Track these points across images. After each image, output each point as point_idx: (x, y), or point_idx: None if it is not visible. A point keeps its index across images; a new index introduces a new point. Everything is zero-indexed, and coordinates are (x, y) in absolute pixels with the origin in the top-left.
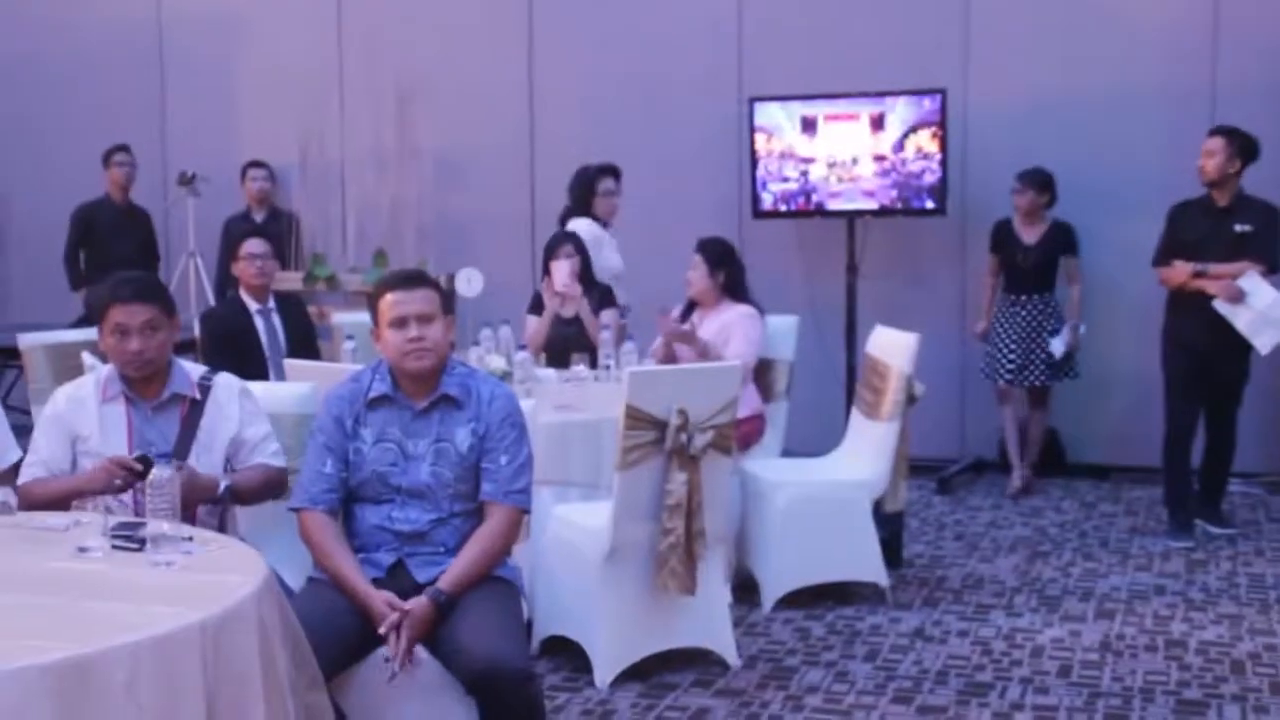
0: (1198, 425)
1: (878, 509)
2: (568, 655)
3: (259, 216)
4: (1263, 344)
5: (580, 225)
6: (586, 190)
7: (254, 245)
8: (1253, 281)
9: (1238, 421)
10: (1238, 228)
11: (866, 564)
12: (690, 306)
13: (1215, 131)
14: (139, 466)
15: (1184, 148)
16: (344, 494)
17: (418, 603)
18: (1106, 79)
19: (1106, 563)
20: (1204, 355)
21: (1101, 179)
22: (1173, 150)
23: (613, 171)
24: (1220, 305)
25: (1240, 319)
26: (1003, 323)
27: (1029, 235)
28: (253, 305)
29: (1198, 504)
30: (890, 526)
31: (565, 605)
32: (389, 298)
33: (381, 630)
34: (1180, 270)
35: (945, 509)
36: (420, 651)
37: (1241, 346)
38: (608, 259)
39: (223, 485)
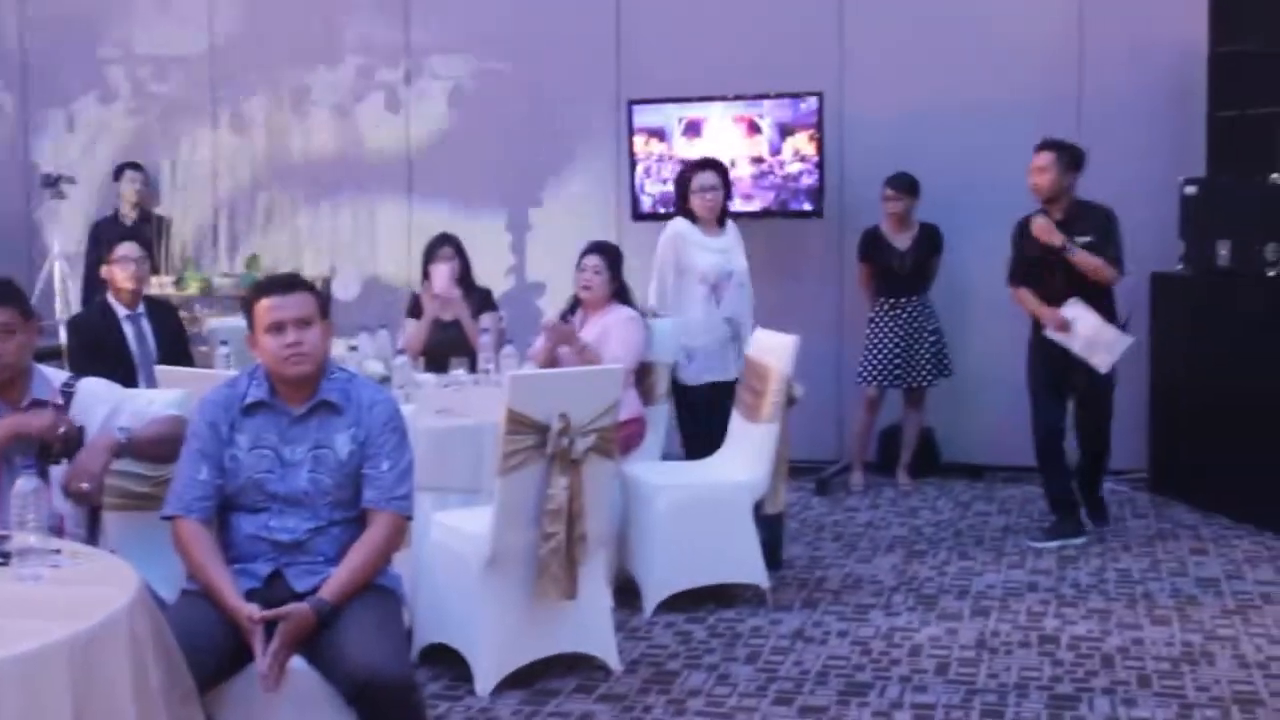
0: (1065, 424)
1: (758, 511)
2: (448, 663)
3: (130, 220)
4: (1099, 364)
5: (673, 224)
6: (682, 187)
7: (127, 249)
8: (1075, 309)
9: (1109, 425)
10: (1077, 240)
11: (747, 566)
12: (572, 307)
13: (1043, 146)
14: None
15: None
16: (219, 502)
17: (297, 608)
18: (978, 86)
19: (981, 561)
20: (1067, 359)
21: (972, 184)
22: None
23: (711, 166)
24: (1051, 334)
25: (1073, 345)
26: (882, 327)
27: (901, 240)
28: (121, 311)
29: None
30: (770, 528)
31: (446, 612)
32: (265, 302)
33: (256, 644)
34: (1026, 299)
35: (824, 510)
36: (297, 662)
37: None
38: (694, 260)
39: (121, 435)
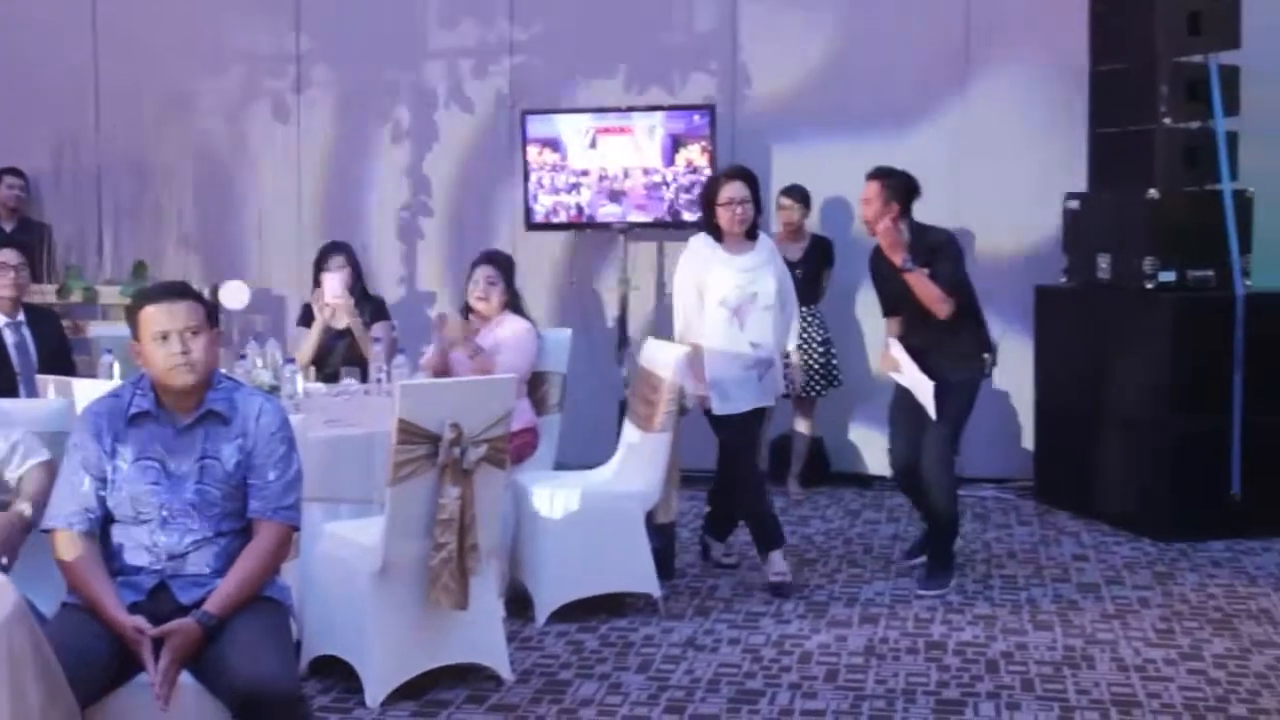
0: (916, 458)
1: (650, 520)
2: (338, 675)
3: (8, 226)
4: (929, 408)
5: (692, 241)
6: (707, 198)
7: (7, 255)
8: (895, 349)
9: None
10: (898, 261)
11: (639, 575)
12: (465, 316)
13: (871, 175)
14: None
15: (932, 164)
16: (102, 514)
17: (183, 624)
18: (868, 100)
19: (870, 569)
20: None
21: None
22: (923, 164)
23: (740, 176)
24: (886, 371)
25: (905, 381)
26: None
27: (793, 251)
28: (1, 319)
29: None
30: (662, 537)
31: (335, 624)
32: (150, 311)
33: (146, 657)
34: (892, 329)
35: None
36: (183, 675)
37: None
38: (712, 280)
39: (27, 511)
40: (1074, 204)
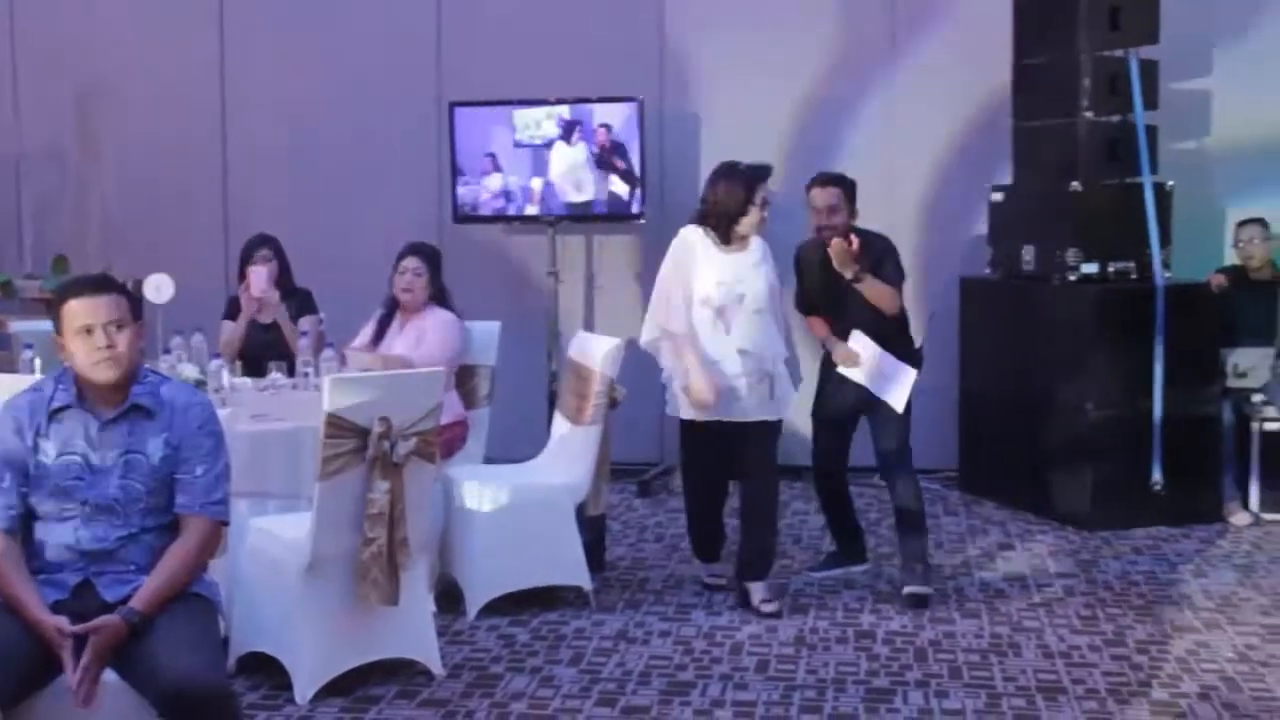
0: (842, 460)
1: (581, 513)
2: (267, 672)
3: None
4: (892, 401)
5: (683, 231)
6: (745, 190)
7: None
8: (860, 341)
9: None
10: (850, 275)
11: (570, 568)
12: (389, 310)
13: (827, 181)
14: None
15: (865, 154)
16: (23, 511)
17: (108, 622)
18: (798, 92)
19: (800, 560)
20: (860, 389)
21: (794, 191)
22: (855, 155)
23: (767, 179)
24: (843, 370)
25: (862, 378)
26: None
27: None
28: None
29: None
30: (593, 530)
31: (263, 620)
32: (73, 304)
33: (66, 659)
34: (817, 328)
35: (646, 511)
36: (108, 675)
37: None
38: (696, 276)
39: None
40: (998, 196)
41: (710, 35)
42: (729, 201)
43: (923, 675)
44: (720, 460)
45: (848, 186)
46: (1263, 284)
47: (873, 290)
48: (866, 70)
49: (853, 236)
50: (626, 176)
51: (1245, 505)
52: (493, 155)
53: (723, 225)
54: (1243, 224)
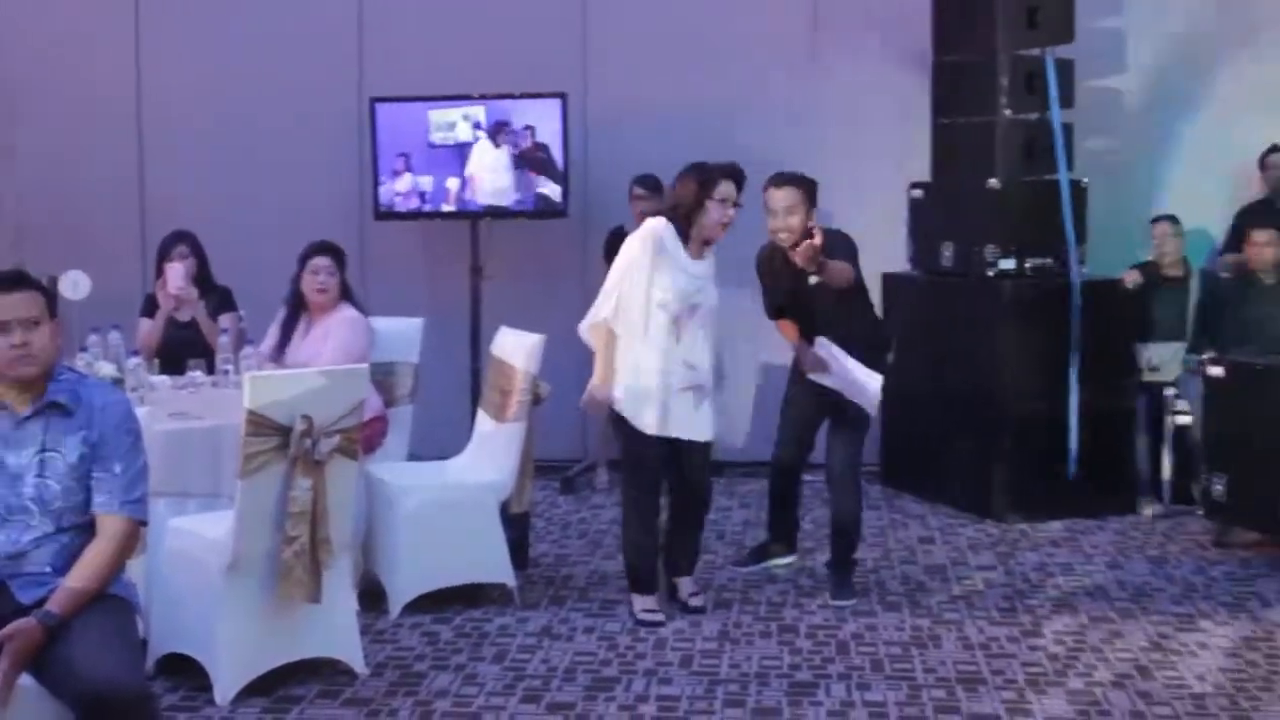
0: (799, 464)
1: (504, 510)
2: (186, 673)
3: None
4: (866, 405)
5: (654, 223)
6: (698, 188)
7: None
8: (826, 348)
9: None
10: (813, 280)
11: (494, 565)
12: (294, 309)
13: (784, 181)
14: None
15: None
16: None
17: (23, 625)
18: (718, 87)
19: (722, 555)
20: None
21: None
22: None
23: (735, 178)
24: (812, 376)
25: (831, 383)
26: None
27: None
28: None
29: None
30: (517, 527)
31: (183, 621)
32: None
33: None
34: (788, 332)
35: (569, 508)
36: (24, 679)
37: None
38: (661, 277)
39: None
40: (918, 193)
41: (632, 28)
42: (684, 195)
43: (845, 668)
44: (662, 474)
45: (806, 186)
46: (1175, 280)
47: (831, 271)
48: (789, 66)
49: (815, 228)
50: (550, 172)
51: (1158, 497)
52: (405, 155)
53: (680, 221)
54: (1155, 221)
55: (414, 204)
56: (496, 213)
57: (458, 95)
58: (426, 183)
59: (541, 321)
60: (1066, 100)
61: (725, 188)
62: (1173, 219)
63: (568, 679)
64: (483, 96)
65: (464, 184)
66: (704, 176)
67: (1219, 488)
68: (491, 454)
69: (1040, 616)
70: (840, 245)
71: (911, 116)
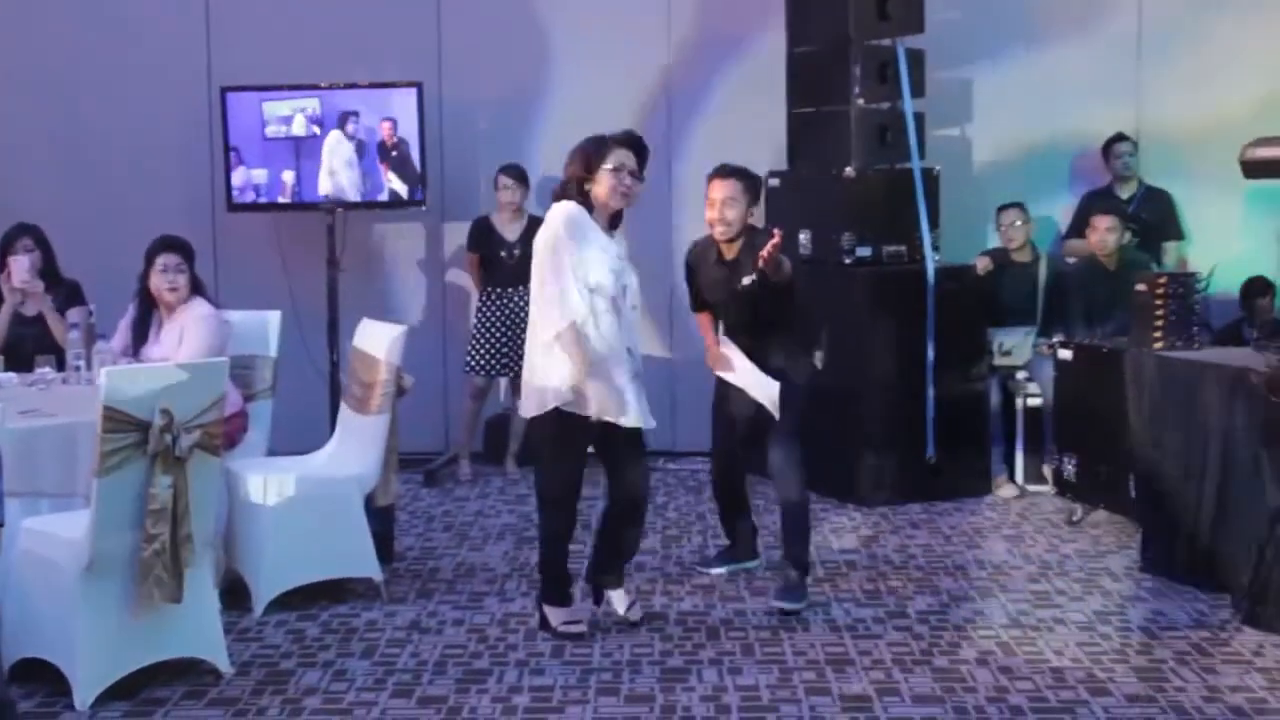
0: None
1: (369, 503)
2: (43, 678)
3: None
4: (769, 405)
5: (566, 207)
6: (588, 160)
7: None
8: (729, 348)
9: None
10: (745, 281)
11: (360, 560)
12: (146, 310)
13: (727, 173)
14: None
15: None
16: None
17: None
18: (573, 78)
19: (590, 544)
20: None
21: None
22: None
23: (633, 145)
24: (719, 373)
25: (735, 380)
26: (489, 316)
27: (511, 230)
28: None
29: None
30: (382, 521)
31: (39, 624)
32: None
33: None
34: (704, 327)
35: (433, 501)
36: None
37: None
38: (595, 260)
39: None
40: (775, 181)
41: (488, 18)
42: (573, 170)
43: (716, 654)
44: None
45: (749, 181)
46: (1023, 265)
47: (784, 272)
48: (645, 56)
49: (775, 231)
50: (406, 163)
51: (1011, 478)
52: (235, 149)
53: (574, 195)
54: (1003, 208)
55: (249, 197)
56: (352, 205)
57: (310, 85)
58: (260, 176)
59: (400, 313)
60: (918, 89)
61: (618, 155)
62: (1020, 206)
63: (439, 672)
64: (332, 86)
65: (300, 178)
66: (592, 146)
67: (1070, 467)
68: (355, 447)
69: (904, 597)
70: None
71: (767, 106)
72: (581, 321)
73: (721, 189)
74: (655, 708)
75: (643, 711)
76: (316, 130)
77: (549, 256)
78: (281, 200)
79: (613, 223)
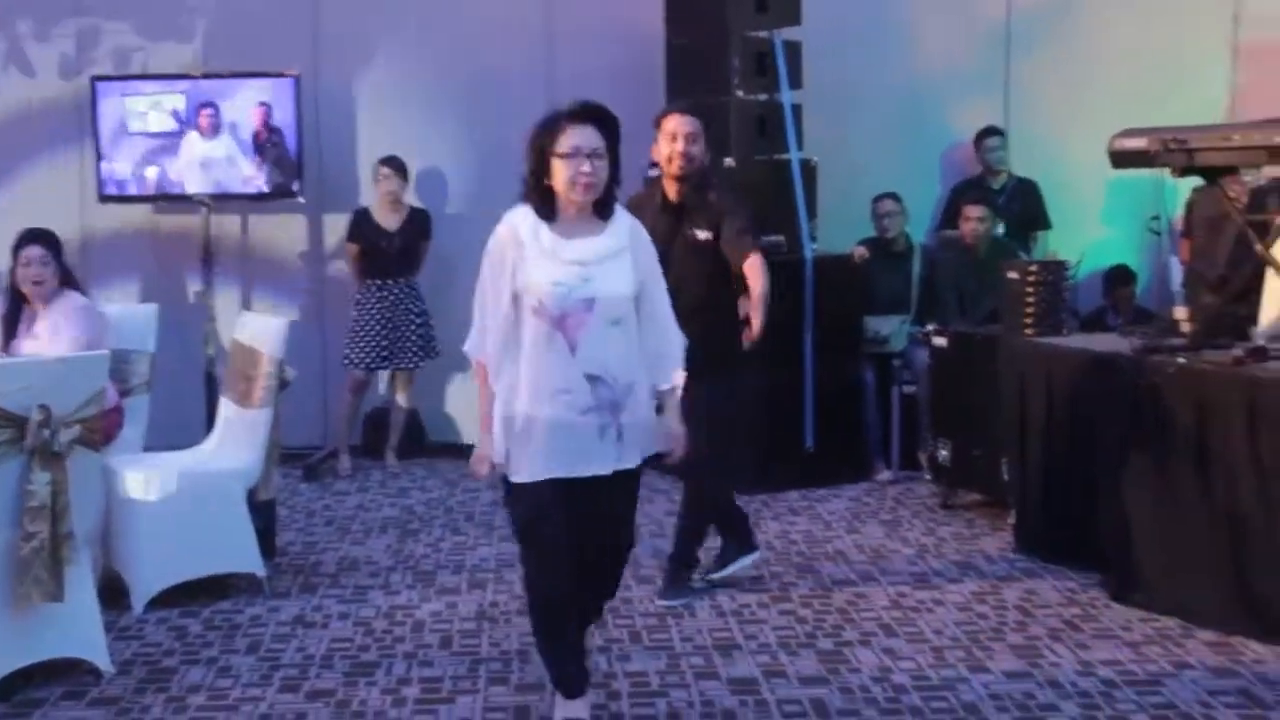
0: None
1: (251, 498)
2: None
3: None
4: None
5: (509, 216)
6: (536, 149)
7: None
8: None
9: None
10: (700, 235)
11: (242, 555)
12: (15, 305)
13: (687, 110)
14: None
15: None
16: None
17: None
18: (453, 66)
19: (474, 536)
20: None
21: (451, 164)
22: (514, 136)
23: (593, 119)
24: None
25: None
26: (368, 309)
27: (391, 222)
28: None
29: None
30: (263, 515)
31: None
32: None
33: None
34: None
35: (313, 495)
36: None
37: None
38: (527, 274)
39: None
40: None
41: (365, 7)
42: (529, 158)
43: (605, 641)
44: (568, 528)
45: (704, 122)
46: (897, 254)
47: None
48: (525, 48)
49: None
50: (283, 155)
51: (888, 464)
52: (141, 132)
53: (533, 194)
54: (879, 198)
55: (120, 190)
56: (227, 197)
57: (186, 74)
58: (124, 169)
59: (278, 306)
60: (795, 81)
61: (573, 136)
62: (895, 196)
63: (326, 666)
64: (205, 76)
65: (171, 170)
66: (541, 129)
67: (944, 453)
68: (237, 441)
69: (787, 583)
70: (717, 210)
71: (647, 97)
72: (494, 367)
73: (684, 123)
74: (546, 696)
75: (533, 700)
76: (178, 124)
77: (480, 283)
78: (153, 193)
79: (600, 211)
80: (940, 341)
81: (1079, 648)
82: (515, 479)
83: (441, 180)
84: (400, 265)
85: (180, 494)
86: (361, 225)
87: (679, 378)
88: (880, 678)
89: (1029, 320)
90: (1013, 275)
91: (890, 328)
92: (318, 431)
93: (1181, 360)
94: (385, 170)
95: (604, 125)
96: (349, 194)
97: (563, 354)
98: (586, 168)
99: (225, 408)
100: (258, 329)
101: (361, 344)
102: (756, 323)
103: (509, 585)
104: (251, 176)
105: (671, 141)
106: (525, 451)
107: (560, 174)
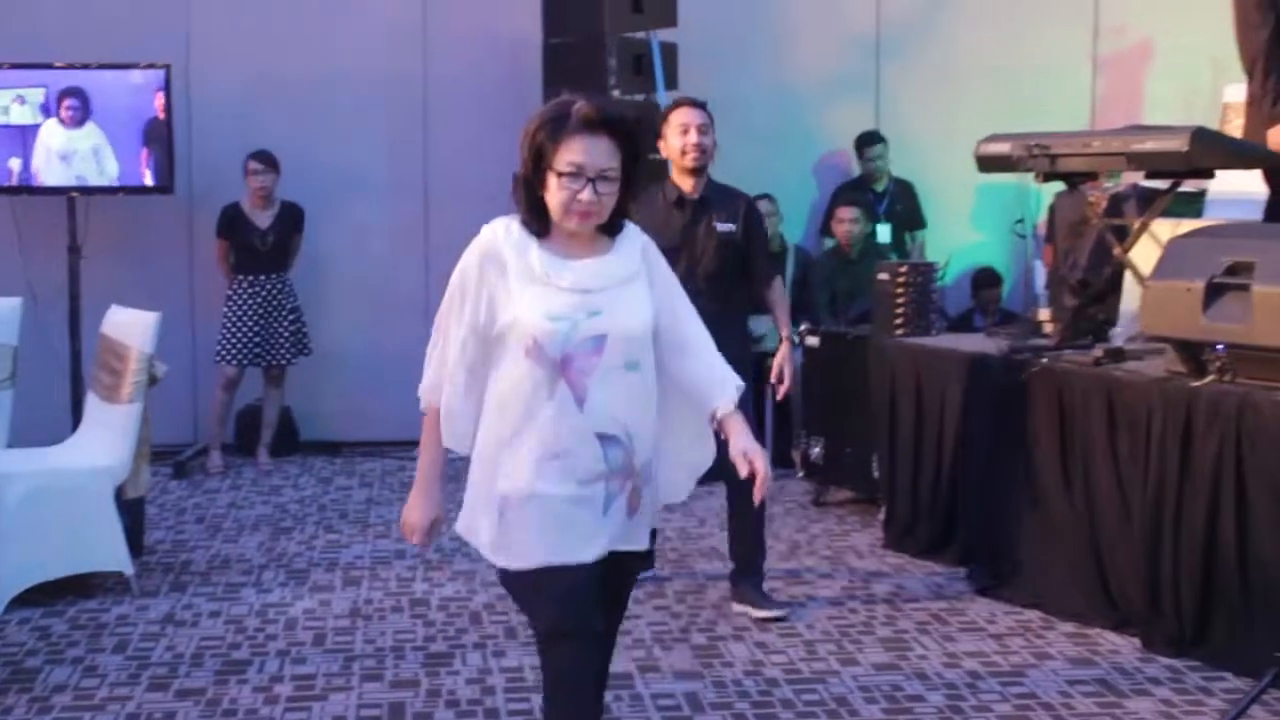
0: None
1: (119, 496)
2: None
3: None
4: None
5: (489, 229)
6: (533, 151)
7: None
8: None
9: None
10: (721, 228)
11: (109, 554)
12: None
13: (693, 102)
14: None
15: (400, 131)
16: None
17: None
18: (327, 63)
19: (348, 533)
20: None
21: (325, 159)
22: (390, 132)
23: (604, 123)
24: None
25: None
26: (240, 305)
27: (263, 218)
28: None
29: None
30: (131, 513)
31: None
32: None
33: None
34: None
35: (184, 493)
36: None
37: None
38: (511, 304)
39: None
40: None
41: (239, 2)
42: (522, 152)
43: (479, 637)
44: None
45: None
46: (772, 255)
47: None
48: (400, 45)
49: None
50: (154, 148)
51: None
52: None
53: (528, 209)
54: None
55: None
56: (93, 190)
57: (47, 64)
58: (26, 158)
59: (146, 302)
60: (671, 82)
61: (576, 148)
62: (769, 198)
63: (196, 664)
64: (71, 65)
65: (26, 163)
66: (543, 123)
67: (816, 450)
68: (105, 437)
69: (661, 579)
70: (733, 206)
71: (522, 94)
72: (451, 419)
73: (695, 115)
74: (421, 692)
75: (408, 696)
76: (43, 115)
77: (442, 309)
78: (15, 185)
79: (606, 227)
80: (813, 341)
81: (945, 640)
82: (499, 563)
83: (318, 174)
84: (272, 261)
85: (46, 491)
86: (232, 221)
87: (736, 394)
88: (753, 671)
89: (899, 321)
90: (883, 276)
91: (764, 327)
92: (188, 428)
93: (1045, 360)
94: (255, 164)
95: (622, 137)
96: (224, 188)
97: (567, 407)
98: (587, 195)
99: (93, 403)
100: (127, 323)
101: (233, 340)
102: (789, 373)
103: (384, 583)
104: (120, 169)
105: (684, 134)
106: (510, 531)
107: (554, 193)
